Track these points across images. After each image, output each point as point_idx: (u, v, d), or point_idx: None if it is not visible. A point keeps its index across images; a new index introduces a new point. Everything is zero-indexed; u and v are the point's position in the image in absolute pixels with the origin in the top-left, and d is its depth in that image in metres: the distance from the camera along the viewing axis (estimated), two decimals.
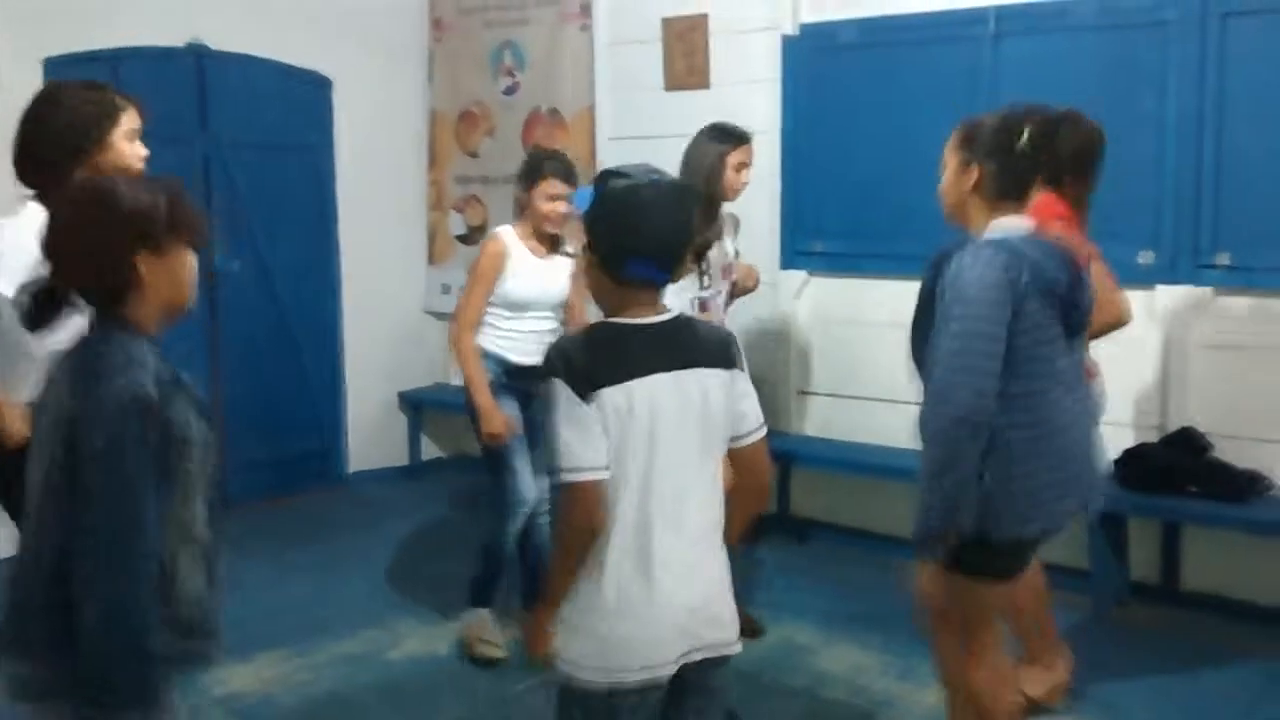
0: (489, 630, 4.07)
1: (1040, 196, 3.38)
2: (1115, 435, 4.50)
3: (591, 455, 2.16)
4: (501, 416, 3.92)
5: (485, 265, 4.00)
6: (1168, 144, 4.39)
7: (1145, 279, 4.45)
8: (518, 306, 4.02)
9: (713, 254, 4.04)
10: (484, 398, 3.92)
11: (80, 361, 1.94)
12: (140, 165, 2.93)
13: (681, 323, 2.30)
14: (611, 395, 2.16)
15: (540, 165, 4.05)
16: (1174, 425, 4.43)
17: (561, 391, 2.17)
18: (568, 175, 4.03)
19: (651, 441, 2.19)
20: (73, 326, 2.03)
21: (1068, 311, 2.64)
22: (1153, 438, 4.46)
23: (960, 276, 2.55)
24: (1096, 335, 3.38)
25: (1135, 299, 4.41)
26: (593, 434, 2.15)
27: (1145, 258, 4.45)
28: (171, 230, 1.98)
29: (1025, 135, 2.66)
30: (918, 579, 2.73)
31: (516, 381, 4.00)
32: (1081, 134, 3.46)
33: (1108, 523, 4.41)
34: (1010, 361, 2.55)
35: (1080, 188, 3.45)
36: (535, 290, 4.04)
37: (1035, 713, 3.53)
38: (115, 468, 1.85)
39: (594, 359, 2.20)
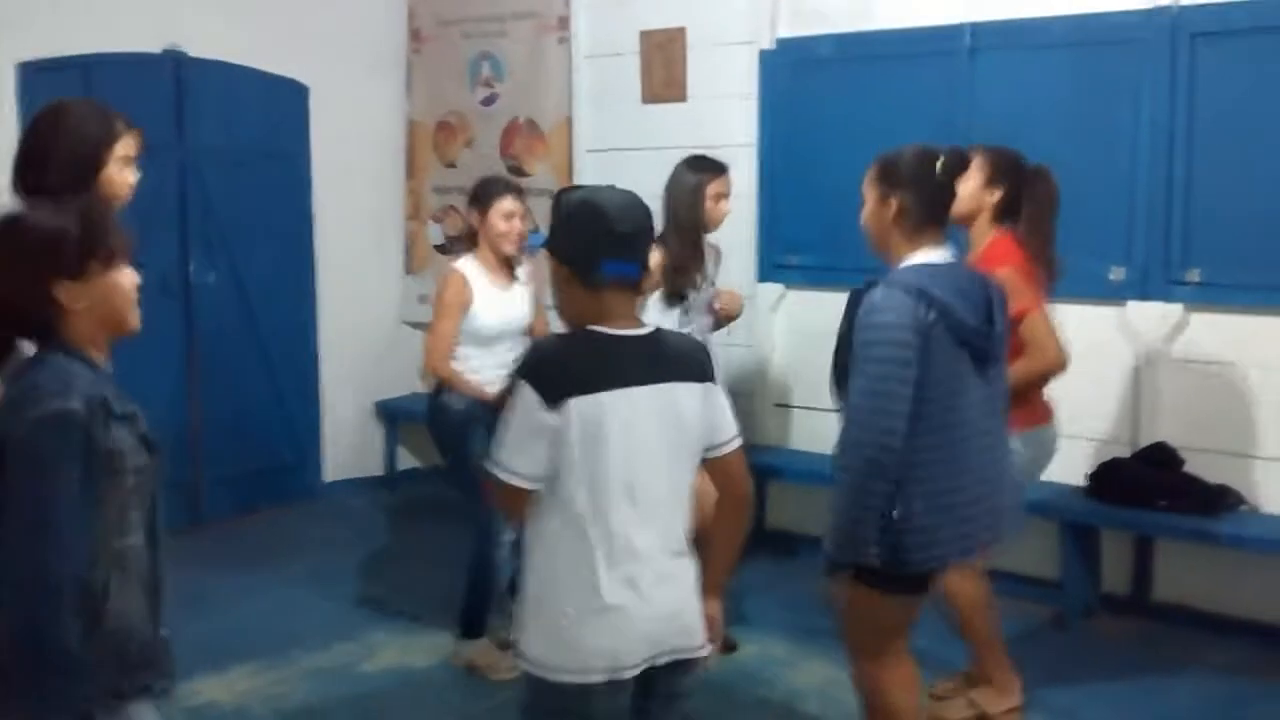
0: (494, 655, 4.04)
1: (996, 238, 3.45)
2: (1088, 450, 4.56)
3: (525, 464, 2.21)
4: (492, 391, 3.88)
5: (450, 296, 4.00)
6: (1139, 161, 4.43)
7: (1117, 295, 4.49)
8: (487, 340, 4.03)
9: (695, 292, 4.06)
10: (483, 391, 3.89)
11: (14, 383, 1.93)
12: (127, 193, 2.91)
13: (658, 336, 2.33)
14: (581, 405, 2.17)
15: (493, 185, 4.13)
16: (1146, 440, 4.47)
17: (525, 395, 2.20)
18: (518, 192, 4.13)
19: (624, 452, 2.21)
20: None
21: (977, 346, 2.70)
22: (1125, 452, 4.50)
23: (869, 320, 2.64)
24: (1034, 383, 3.42)
25: (1107, 314, 4.50)
26: (536, 445, 2.19)
27: (1116, 274, 4.49)
28: (88, 254, 1.94)
29: (940, 164, 2.74)
30: (831, 591, 2.83)
31: (490, 415, 3.97)
32: (1050, 187, 3.54)
33: (1079, 535, 4.45)
34: (919, 401, 2.62)
35: (1040, 238, 3.49)
36: (502, 321, 4.06)
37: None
38: (35, 485, 1.84)
39: (569, 367, 2.22)
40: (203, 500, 5.69)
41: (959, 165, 2.80)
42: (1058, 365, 3.43)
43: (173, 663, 2.06)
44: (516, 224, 4.03)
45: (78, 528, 1.86)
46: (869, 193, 2.82)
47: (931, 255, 2.75)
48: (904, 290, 2.63)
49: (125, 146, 2.89)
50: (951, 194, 2.79)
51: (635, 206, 2.30)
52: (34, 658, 1.82)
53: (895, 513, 2.64)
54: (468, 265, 4.06)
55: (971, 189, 3.49)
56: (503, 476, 2.23)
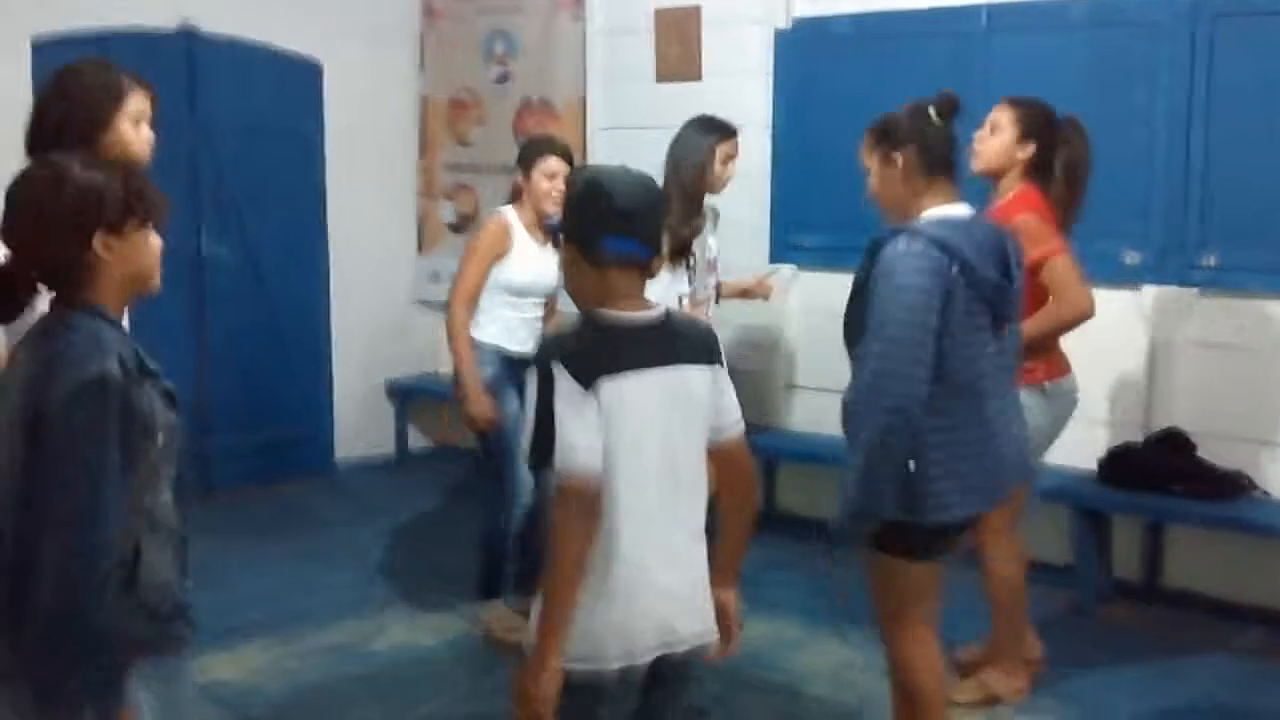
0: (510, 618, 4.04)
1: (1021, 187, 3.42)
2: (1100, 434, 4.53)
3: (592, 445, 2.13)
4: (487, 400, 3.91)
5: (486, 241, 3.99)
6: (1156, 143, 4.40)
7: (1132, 278, 4.46)
8: (519, 292, 4.02)
9: (697, 249, 4.04)
10: (471, 379, 3.91)
11: (43, 346, 1.92)
12: (145, 150, 2.89)
13: (668, 319, 2.30)
14: (608, 387, 2.15)
15: (539, 145, 4.11)
16: (1159, 425, 4.45)
17: (564, 383, 2.15)
18: (566, 155, 4.08)
19: (641, 436, 2.20)
20: (39, 308, 2.02)
21: (996, 303, 2.68)
22: (1138, 437, 4.47)
23: (891, 269, 2.60)
24: (1062, 330, 3.41)
25: (1121, 298, 4.47)
26: (593, 424, 2.14)
27: (1132, 257, 4.46)
28: (128, 209, 1.96)
29: (934, 111, 2.73)
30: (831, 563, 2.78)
31: (518, 371, 3.98)
32: (1081, 141, 3.51)
33: (1091, 520, 4.43)
34: (938, 354, 2.59)
35: (1070, 191, 3.47)
36: (535, 275, 4.04)
37: (992, 705, 3.61)
38: (76, 451, 1.84)
39: (592, 350, 2.20)
40: (212, 471, 5.71)
41: (951, 107, 2.76)
42: (1085, 310, 3.39)
43: (194, 618, 2.08)
44: (559, 184, 3.95)
45: (118, 498, 1.87)
46: (870, 160, 2.80)
47: (950, 209, 2.71)
48: (927, 241, 2.59)
49: (135, 103, 2.86)
50: (952, 139, 2.76)
51: (642, 185, 2.27)
52: (67, 630, 1.83)
53: (911, 464, 2.60)
54: (511, 214, 4.05)
55: (1004, 143, 3.48)
56: (576, 476, 2.12)
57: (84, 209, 1.93)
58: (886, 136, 2.76)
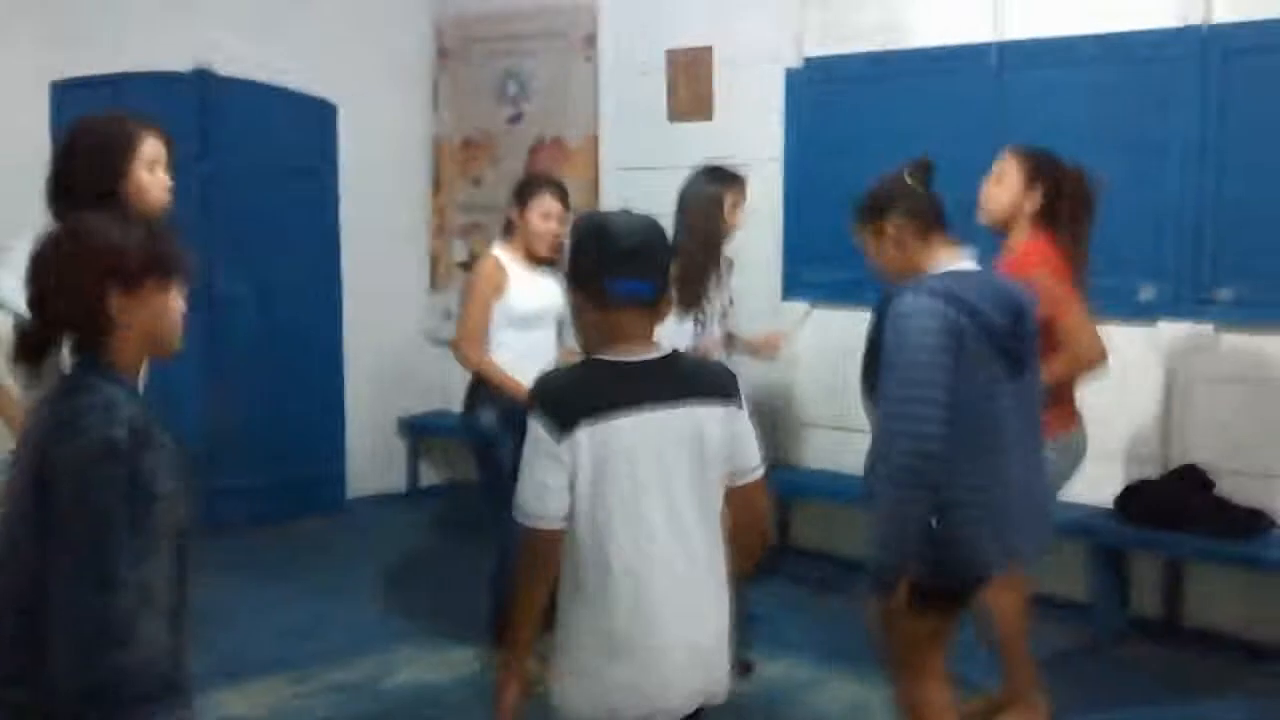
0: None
1: (1030, 241, 3.41)
2: (1117, 470, 4.51)
3: (546, 505, 2.14)
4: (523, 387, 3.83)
5: (482, 283, 4.00)
6: (1170, 179, 4.40)
7: (1147, 313, 4.45)
8: (526, 321, 4.00)
9: (707, 301, 4.04)
10: (511, 382, 3.85)
11: (56, 407, 1.91)
12: (164, 195, 2.91)
13: (676, 358, 2.27)
14: (592, 431, 2.12)
15: (536, 182, 4.12)
16: (1176, 461, 4.42)
17: (536, 431, 2.15)
18: (563, 195, 4.08)
19: (641, 479, 2.15)
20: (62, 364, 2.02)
21: (1008, 350, 2.67)
22: (1155, 473, 4.44)
23: (901, 324, 2.61)
24: (1076, 375, 3.38)
25: (1137, 334, 4.46)
26: (553, 483, 2.13)
27: (1147, 292, 4.45)
28: (147, 269, 1.93)
29: (907, 174, 2.78)
30: (867, 609, 2.78)
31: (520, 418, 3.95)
32: (1089, 187, 3.50)
33: (1109, 557, 4.40)
34: (952, 406, 2.58)
35: (1076, 235, 3.46)
36: (539, 300, 4.02)
37: None
38: (84, 515, 1.82)
39: (577, 393, 2.17)
40: (224, 508, 5.70)
41: (925, 169, 2.81)
42: (1097, 358, 3.38)
43: (192, 693, 2.05)
44: (554, 225, 3.98)
45: (131, 563, 1.85)
46: (862, 236, 2.84)
47: (956, 263, 2.74)
48: (931, 294, 2.61)
49: (149, 149, 2.90)
50: (934, 196, 2.79)
51: (644, 225, 2.25)
52: (86, 690, 1.81)
53: (935, 522, 2.60)
54: (501, 251, 4.05)
55: (1010, 191, 3.48)
56: (530, 524, 2.16)
57: (99, 269, 1.91)
58: (872, 210, 2.80)
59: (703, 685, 2.24)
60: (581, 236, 2.28)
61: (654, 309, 2.24)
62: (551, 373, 2.31)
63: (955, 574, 2.67)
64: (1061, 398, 3.38)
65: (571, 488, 2.14)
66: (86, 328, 1.93)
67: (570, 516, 2.15)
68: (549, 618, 2.28)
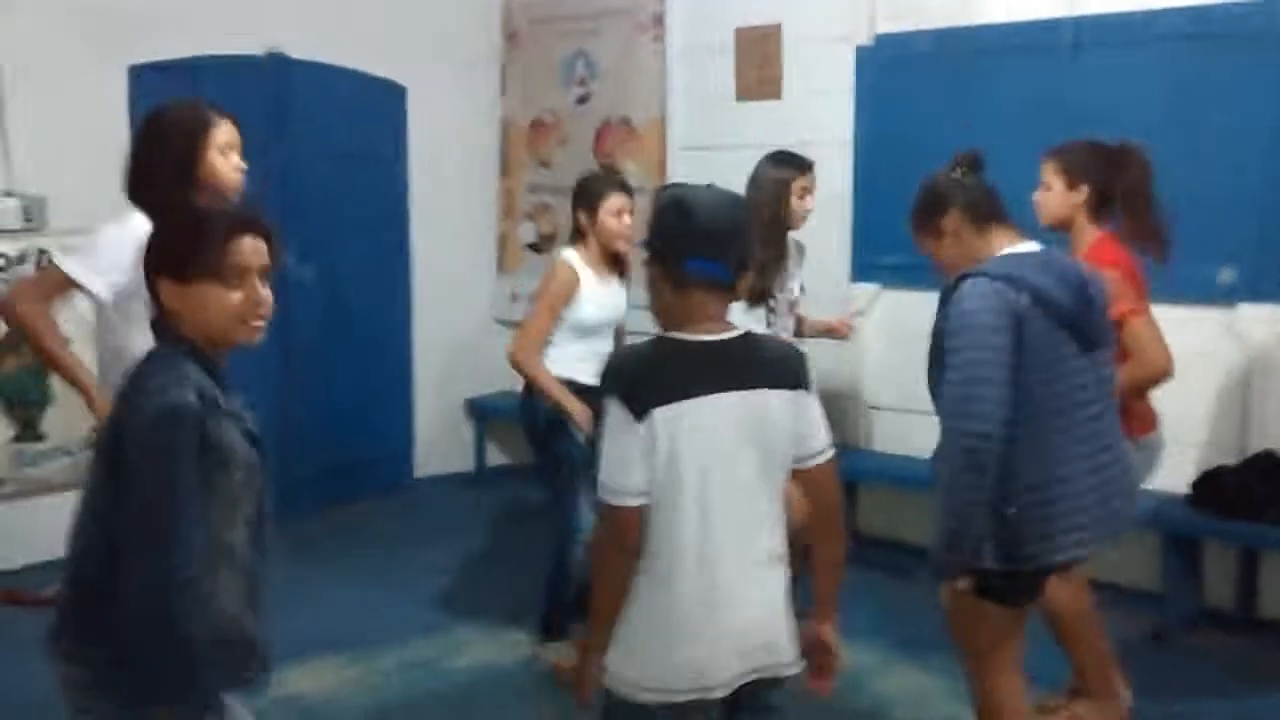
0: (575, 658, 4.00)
1: (1097, 239, 3.34)
2: (1192, 457, 4.41)
3: (630, 480, 2.15)
4: (580, 406, 3.83)
5: (557, 291, 3.95)
6: (1250, 158, 4.28)
7: (1226, 297, 4.34)
8: (588, 331, 3.98)
9: (777, 288, 4.02)
10: (566, 400, 3.88)
11: (131, 377, 1.99)
12: (236, 178, 3.00)
13: (748, 340, 2.27)
14: (666, 414, 2.13)
15: (600, 183, 4.05)
16: (1255, 448, 4.31)
17: (614, 410, 2.17)
18: (627, 188, 4.07)
19: (711, 461, 2.16)
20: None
21: (1077, 327, 2.63)
22: (1232, 460, 4.34)
23: (959, 309, 2.60)
24: (1139, 390, 3.30)
25: (1215, 317, 4.36)
26: (635, 458, 2.14)
27: (1226, 275, 4.34)
28: (187, 260, 1.97)
29: (956, 169, 2.78)
30: (942, 599, 2.75)
31: (587, 402, 3.96)
32: (1139, 165, 3.40)
33: (1182, 546, 4.31)
34: (1019, 388, 2.55)
35: (1137, 219, 3.37)
36: (605, 312, 4.02)
37: None
38: (155, 475, 1.88)
39: (651, 375, 2.18)
40: (294, 488, 5.79)
41: (971, 161, 2.79)
42: (1162, 371, 3.30)
43: (270, 657, 2.10)
44: (626, 219, 3.97)
45: (197, 521, 1.90)
46: (922, 239, 2.83)
47: (1018, 246, 2.72)
48: (991, 278, 2.59)
49: (222, 134, 2.97)
50: (985, 186, 2.77)
51: (728, 205, 2.25)
52: (158, 647, 1.86)
53: (1012, 509, 2.57)
54: (575, 258, 4.00)
55: (1056, 197, 3.45)
56: (609, 499, 2.17)
57: (151, 252, 2.03)
58: (927, 213, 2.79)
59: (761, 661, 2.25)
60: (665, 211, 2.27)
61: (730, 290, 2.24)
62: (624, 352, 2.31)
63: (1028, 559, 2.62)
64: (1133, 401, 3.31)
65: (650, 470, 2.15)
66: (157, 304, 2.02)
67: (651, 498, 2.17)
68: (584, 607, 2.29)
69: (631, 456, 2.14)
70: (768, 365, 2.24)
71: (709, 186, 2.29)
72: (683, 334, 2.23)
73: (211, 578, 1.94)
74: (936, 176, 2.81)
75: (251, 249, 2.02)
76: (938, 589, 2.84)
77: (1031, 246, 2.74)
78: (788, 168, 4.03)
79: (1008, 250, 2.70)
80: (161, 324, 2.02)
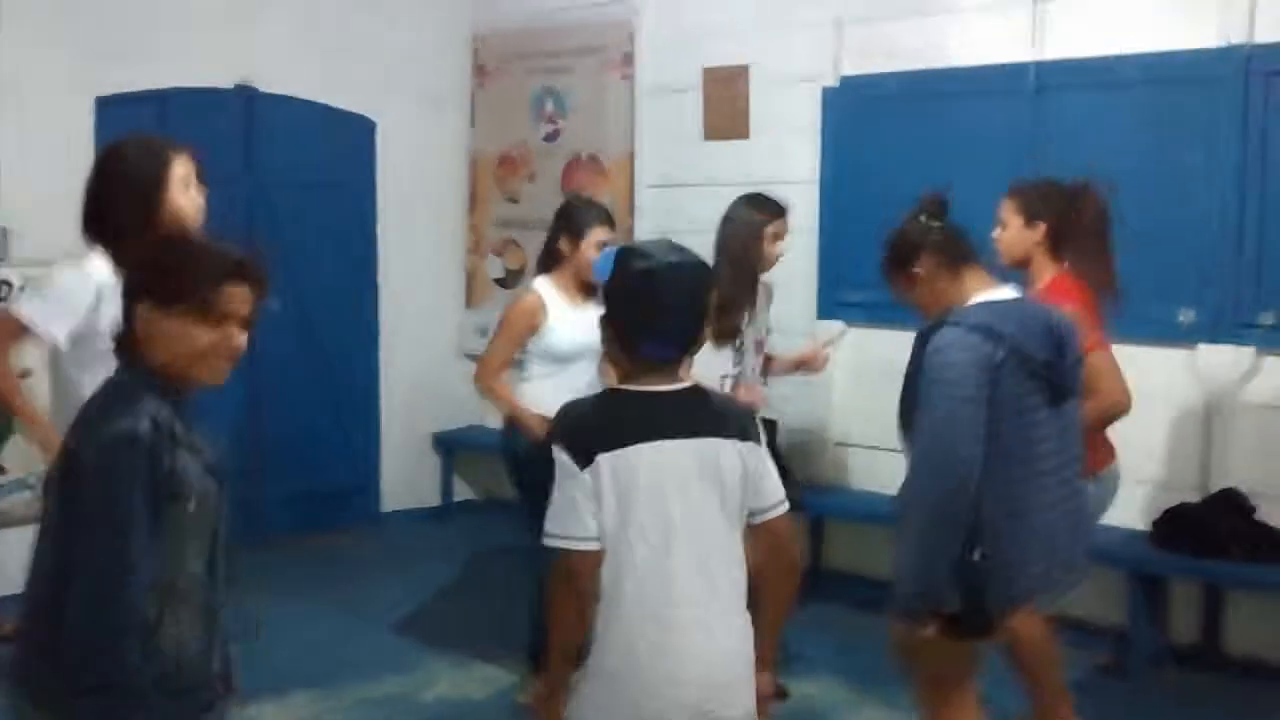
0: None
1: (1054, 277, 3.38)
2: (1156, 495, 4.45)
3: (576, 526, 2.16)
4: (538, 417, 3.79)
5: (516, 318, 3.95)
6: (1211, 202, 4.35)
7: (1187, 337, 4.40)
8: (564, 359, 3.95)
9: (746, 330, 4.02)
10: (520, 410, 3.87)
11: (88, 402, 1.97)
12: (197, 211, 2.96)
13: (697, 392, 2.29)
14: (612, 461, 2.14)
15: (589, 214, 4.03)
16: (1216, 486, 4.36)
17: (561, 459, 2.18)
18: (611, 222, 4.07)
19: (662, 508, 2.16)
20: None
21: (1049, 380, 2.66)
22: (1194, 498, 4.39)
23: (938, 357, 2.61)
24: (1098, 424, 3.33)
25: (1177, 357, 4.41)
26: (581, 505, 2.15)
27: (1187, 316, 4.40)
28: (175, 292, 1.94)
29: (922, 215, 2.79)
30: (896, 636, 2.75)
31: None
32: (1094, 204, 3.47)
33: (1146, 583, 4.35)
34: (993, 438, 2.58)
35: (1094, 259, 3.42)
36: (579, 339, 3.91)
37: None
38: (103, 503, 1.84)
39: (598, 425, 2.20)
40: (261, 521, 5.75)
41: (938, 204, 2.81)
42: (1122, 406, 3.34)
43: (229, 693, 2.06)
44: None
45: (145, 551, 1.86)
46: (897, 287, 2.85)
47: (993, 293, 2.73)
48: (969, 329, 2.61)
49: (180, 167, 2.93)
50: (954, 229, 2.79)
51: (689, 280, 2.24)
52: (101, 684, 1.82)
53: (976, 554, 2.59)
54: (544, 286, 3.98)
55: (1013, 234, 3.49)
56: (555, 544, 2.18)
57: (137, 276, 2.01)
58: (899, 259, 2.81)
59: (720, 713, 2.23)
60: (630, 287, 2.24)
61: (679, 361, 2.26)
62: (573, 403, 2.32)
63: (991, 603, 2.64)
64: (1092, 435, 3.35)
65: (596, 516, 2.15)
66: (128, 327, 1.99)
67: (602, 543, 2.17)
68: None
69: (578, 503, 2.15)
70: (716, 416, 2.26)
71: (670, 257, 2.24)
72: (632, 385, 2.25)
73: (159, 612, 1.90)
74: (906, 224, 2.82)
75: (241, 297, 2.00)
76: (891, 630, 2.83)
77: (1007, 293, 2.76)
78: (762, 211, 4.02)
79: (984, 296, 2.72)
80: (125, 349, 1.99)
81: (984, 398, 2.56)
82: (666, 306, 2.21)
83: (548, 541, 2.19)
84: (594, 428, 2.19)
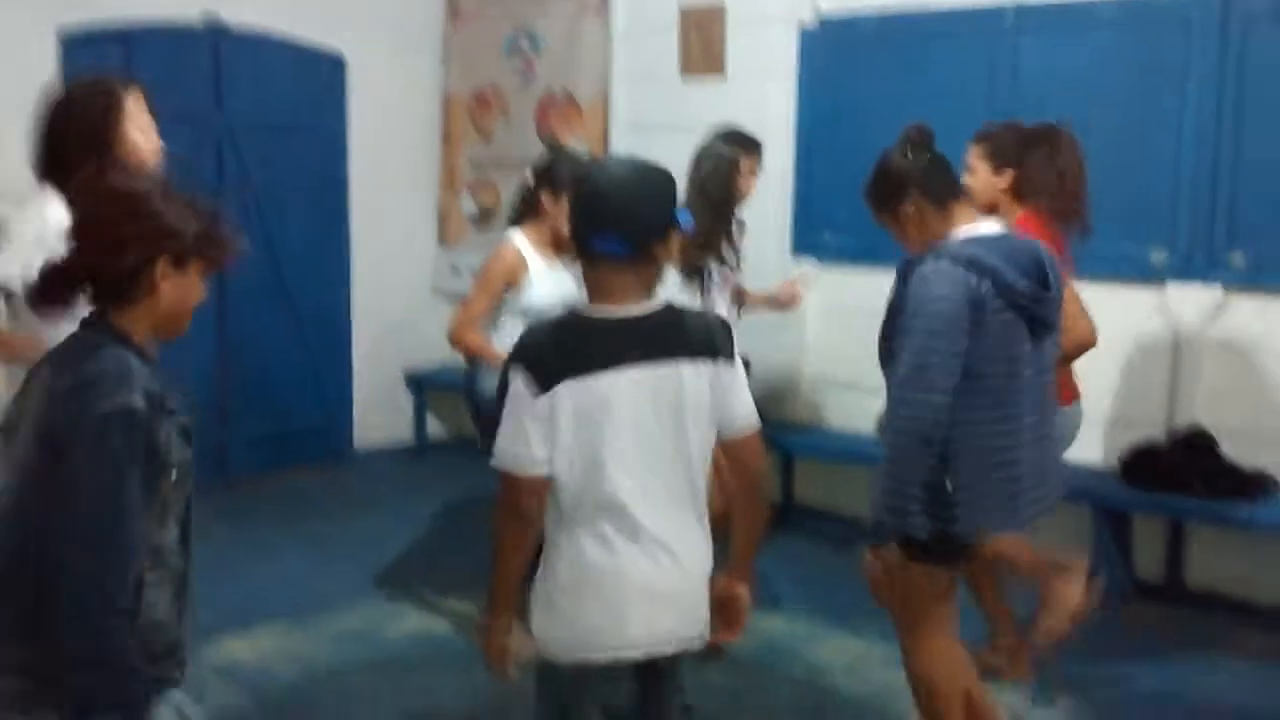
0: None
1: (1020, 217, 3.41)
2: (1123, 433, 4.51)
3: (523, 451, 2.18)
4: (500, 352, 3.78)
5: (496, 272, 3.86)
6: (1185, 143, 4.37)
7: (1157, 277, 4.44)
8: (540, 314, 3.88)
9: (714, 263, 4.01)
10: (491, 351, 3.79)
11: (72, 368, 1.90)
12: (155, 155, 2.92)
13: (667, 313, 2.26)
14: (571, 388, 2.15)
15: (574, 175, 3.91)
16: (1182, 424, 4.42)
17: (516, 383, 2.19)
18: None
19: (620, 433, 2.18)
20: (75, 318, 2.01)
21: (1032, 315, 2.68)
22: (1160, 436, 4.44)
23: (921, 290, 2.62)
24: (1065, 360, 3.37)
25: (1147, 297, 4.45)
26: (529, 430, 2.17)
27: (1158, 255, 4.44)
28: (197, 250, 1.96)
29: (908, 147, 2.76)
30: (868, 564, 2.77)
31: None
32: (1070, 148, 3.48)
33: (1112, 520, 4.41)
34: (975, 371, 2.60)
35: (1065, 203, 3.44)
36: (556, 295, 3.80)
37: (995, 680, 3.55)
38: (102, 481, 1.83)
39: (558, 350, 2.20)
40: (232, 459, 5.75)
41: (922, 136, 2.78)
42: (1089, 342, 3.38)
43: (187, 657, 2.06)
44: None
45: (141, 527, 1.87)
46: (884, 219, 2.83)
47: (979, 228, 2.74)
48: (954, 261, 2.62)
49: (135, 105, 2.88)
50: (941, 161, 2.78)
51: (633, 178, 2.25)
52: (92, 659, 1.83)
53: (948, 483, 2.63)
54: (521, 240, 3.89)
55: (981, 180, 3.51)
56: (511, 469, 2.20)
57: (158, 236, 1.93)
58: (885, 195, 2.79)
59: (675, 630, 2.28)
60: (579, 186, 2.30)
61: (638, 265, 2.22)
62: (534, 327, 2.32)
63: (958, 532, 2.68)
64: (1059, 371, 3.39)
65: (551, 442, 2.17)
66: (118, 290, 1.94)
67: (551, 469, 2.19)
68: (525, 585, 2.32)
69: (526, 428, 2.17)
70: (683, 337, 2.24)
71: (626, 160, 2.31)
72: (593, 310, 2.24)
73: (143, 582, 1.90)
74: (891, 158, 2.79)
75: (228, 247, 2.04)
76: (867, 561, 2.86)
77: (993, 227, 2.77)
78: (738, 146, 4.03)
79: (970, 230, 2.72)
80: (115, 305, 1.94)
81: (965, 329, 2.58)
82: (606, 194, 2.22)
83: (494, 464, 2.22)
84: (554, 355, 2.19)
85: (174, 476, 1.93)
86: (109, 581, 1.82)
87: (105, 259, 1.92)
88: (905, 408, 2.61)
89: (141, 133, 2.89)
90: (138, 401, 1.85)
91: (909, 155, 2.76)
